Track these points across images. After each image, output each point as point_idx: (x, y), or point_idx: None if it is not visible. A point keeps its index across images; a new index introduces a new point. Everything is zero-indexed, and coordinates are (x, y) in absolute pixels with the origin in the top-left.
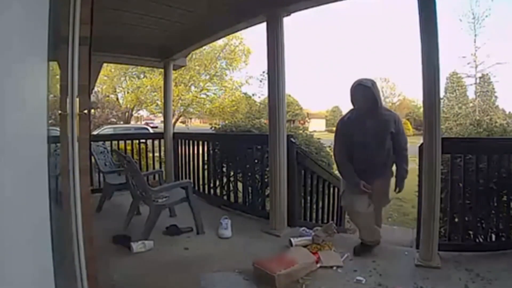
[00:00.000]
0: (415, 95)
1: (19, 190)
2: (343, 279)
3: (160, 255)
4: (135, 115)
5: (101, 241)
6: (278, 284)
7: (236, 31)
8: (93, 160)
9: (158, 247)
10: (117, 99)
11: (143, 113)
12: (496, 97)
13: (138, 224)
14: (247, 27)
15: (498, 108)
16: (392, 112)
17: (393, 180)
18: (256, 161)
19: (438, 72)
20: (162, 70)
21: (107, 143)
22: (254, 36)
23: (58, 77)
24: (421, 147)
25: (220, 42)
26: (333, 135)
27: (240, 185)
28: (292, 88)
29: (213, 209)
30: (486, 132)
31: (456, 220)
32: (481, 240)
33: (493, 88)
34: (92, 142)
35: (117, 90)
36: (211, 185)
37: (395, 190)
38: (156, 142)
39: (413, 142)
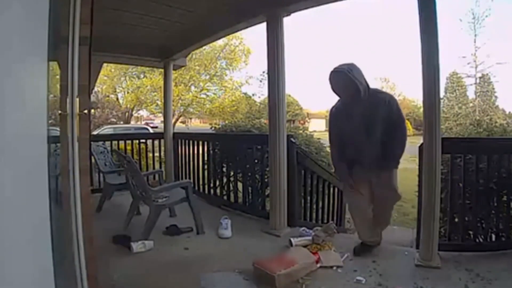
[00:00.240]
0: (415, 95)
1: (19, 190)
2: (343, 279)
3: (160, 255)
4: (135, 115)
5: (101, 241)
6: (278, 284)
7: (236, 31)
8: (93, 160)
9: (158, 247)
10: (117, 99)
11: (143, 113)
12: (496, 97)
13: (138, 224)
14: (247, 27)
15: (498, 108)
16: (384, 93)
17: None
18: (256, 161)
19: (438, 72)
20: (162, 70)
21: (107, 143)
22: (254, 36)
23: (58, 77)
24: (421, 147)
25: (220, 42)
26: None
27: (240, 185)
28: (292, 88)
29: (213, 209)
30: (486, 132)
31: (456, 220)
32: (481, 240)
33: (493, 88)
34: (92, 142)
35: (117, 90)
36: (211, 185)
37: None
38: (156, 142)
39: (413, 142)
